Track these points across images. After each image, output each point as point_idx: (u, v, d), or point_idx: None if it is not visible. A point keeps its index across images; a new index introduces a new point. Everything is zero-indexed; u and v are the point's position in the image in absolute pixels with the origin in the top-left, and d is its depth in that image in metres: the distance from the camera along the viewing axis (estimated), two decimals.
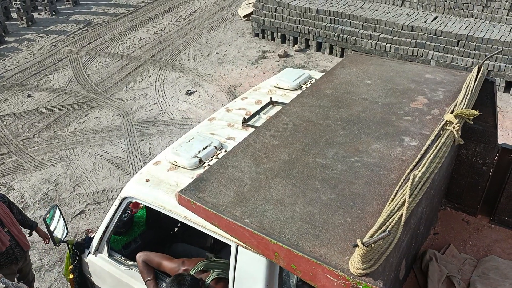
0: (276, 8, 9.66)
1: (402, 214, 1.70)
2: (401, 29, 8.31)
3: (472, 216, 3.56)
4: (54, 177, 6.17)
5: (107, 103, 7.96)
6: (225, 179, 2.20)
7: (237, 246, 2.31)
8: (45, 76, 8.99)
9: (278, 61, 9.15)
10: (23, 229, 3.93)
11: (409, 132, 2.48)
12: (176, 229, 3.86)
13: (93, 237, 3.18)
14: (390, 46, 8.46)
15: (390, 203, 1.80)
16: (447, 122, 2.29)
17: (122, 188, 2.96)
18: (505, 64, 7.57)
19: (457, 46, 7.89)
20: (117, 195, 2.95)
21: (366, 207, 1.95)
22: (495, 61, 7.63)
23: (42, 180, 6.13)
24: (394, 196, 1.86)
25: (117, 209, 2.91)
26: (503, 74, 7.57)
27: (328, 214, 1.92)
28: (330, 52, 9.29)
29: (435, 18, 8.51)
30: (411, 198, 1.77)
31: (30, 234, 4.00)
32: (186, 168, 2.74)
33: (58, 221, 3.22)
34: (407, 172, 2.05)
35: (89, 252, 3.18)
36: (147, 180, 2.77)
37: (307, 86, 3.58)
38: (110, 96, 8.19)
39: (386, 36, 8.49)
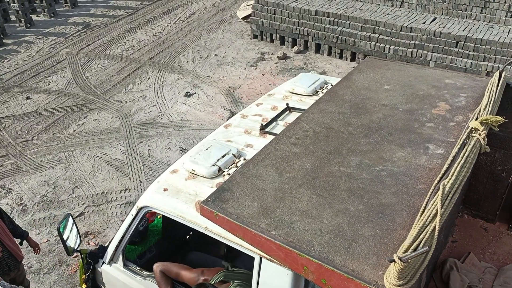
0: (275, 9, 9.66)
1: (435, 226, 1.64)
2: (400, 31, 8.32)
3: (491, 223, 3.49)
4: (53, 179, 6.15)
5: (106, 105, 7.94)
6: (248, 189, 2.14)
7: (261, 258, 2.24)
8: (44, 78, 8.97)
9: (277, 63, 9.15)
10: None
11: (434, 140, 2.43)
12: (188, 237, 3.80)
13: (107, 246, 3.11)
14: (389, 47, 8.46)
15: (422, 215, 1.74)
16: (473, 129, 2.23)
17: (139, 197, 2.87)
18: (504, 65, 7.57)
19: (456, 47, 7.89)
20: (134, 205, 2.88)
21: (396, 218, 1.90)
22: (494, 62, 7.63)
23: (41, 182, 6.11)
24: (425, 207, 1.81)
25: (133, 218, 2.83)
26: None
27: (357, 226, 1.86)
28: (329, 54, 9.29)
29: (434, 19, 8.52)
30: (443, 209, 1.71)
31: (21, 243, 3.90)
32: (205, 177, 2.67)
33: (71, 230, 3.12)
34: (435, 181, 1.99)
35: (103, 262, 3.11)
36: (165, 190, 2.69)
37: (323, 91, 3.53)
38: (109, 98, 8.18)
39: (385, 38, 8.49)
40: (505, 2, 8.07)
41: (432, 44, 8.07)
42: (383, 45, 8.52)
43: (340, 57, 9.16)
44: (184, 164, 2.81)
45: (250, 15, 10.42)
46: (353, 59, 9.03)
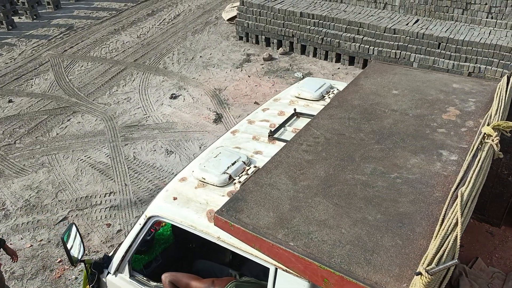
0: (260, 11, 9.67)
1: (457, 236, 1.62)
2: (384, 32, 8.40)
3: (496, 227, 3.48)
4: (36, 184, 6.06)
5: (90, 108, 7.86)
6: (262, 198, 2.10)
7: (276, 269, 2.18)
8: (26, 81, 8.84)
9: (262, 64, 9.16)
10: None
11: (446, 146, 2.41)
12: (191, 245, 3.73)
13: (112, 256, 3.05)
14: (373, 48, 8.54)
15: (442, 225, 1.71)
16: (485, 135, 2.21)
17: (147, 206, 2.81)
18: (485, 66, 7.70)
19: (438, 48, 8.00)
20: (142, 214, 2.81)
21: (415, 227, 1.87)
22: (476, 63, 7.75)
23: (24, 186, 6.01)
24: (444, 216, 1.79)
25: (141, 228, 2.75)
26: (483, 76, 7.70)
27: (377, 236, 1.83)
28: (314, 55, 9.34)
29: (416, 21, 8.62)
30: (463, 218, 1.68)
31: None
32: (216, 185, 2.60)
33: (75, 239, 3.03)
34: (452, 189, 1.97)
35: (108, 272, 3.04)
36: (175, 198, 2.62)
37: (330, 96, 3.50)
38: (93, 100, 8.09)
39: (369, 39, 8.56)
40: (485, 4, 8.21)
41: (415, 45, 8.16)
42: (367, 46, 8.59)
43: (325, 58, 9.21)
44: (193, 172, 2.74)
45: (235, 16, 10.42)
46: (338, 60, 9.09)
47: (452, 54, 7.89)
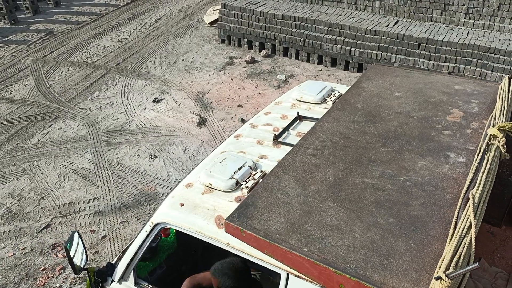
0: (241, 14, 9.69)
1: (471, 238, 1.62)
2: (365, 34, 8.50)
3: (497, 227, 3.51)
4: (17, 191, 5.94)
5: (72, 113, 7.76)
6: (272, 203, 2.09)
7: (288, 274, 2.15)
8: (6, 87, 8.68)
9: (245, 67, 9.17)
10: None
11: (453, 148, 2.42)
12: (195, 251, 3.70)
13: (116, 263, 2.99)
14: (355, 50, 8.63)
15: (456, 228, 1.71)
16: (491, 137, 2.22)
17: (153, 213, 2.76)
18: (464, 66, 7.85)
19: (418, 49, 8.13)
20: (148, 221, 2.75)
21: (429, 231, 1.87)
22: (455, 63, 7.90)
23: (5, 194, 5.89)
24: (457, 219, 1.79)
25: (148, 235, 2.71)
26: (463, 75, 7.85)
27: (390, 240, 1.82)
28: (297, 57, 9.39)
29: (396, 23, 8.74)
30: (476, 220, 1.68)
31: None
32: (223, 191, 2.58)
33: (77, 248, 2.96)
34: (463, 191, 1.98)
35: (112, 280, 2.98)
36: (182, 205, 2.58)
37: (331, 99, 3.51)
38: (75, 106, 7.99)
39: (351, 41, 8.65)
40: (463, 5, 8.37)
41: (396, 46, 8.28)
42: (349, 48, 8.68)
43: (308, 60, 9.27)
44: (199, 177, 2.71)
45: (217, 20, 10.41)
46: (320, 62, 9.15)
47: (432, 54, 8.03)
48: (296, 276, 2.08)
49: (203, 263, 3.56)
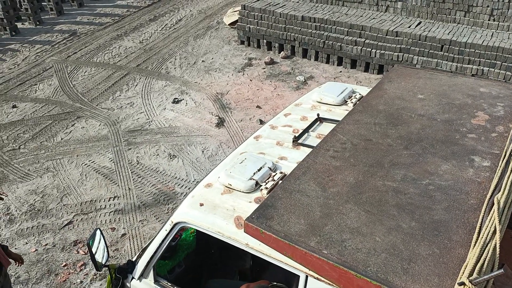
0: (261, 15, 9.71)
1: (496, 244, 1.61)
2: (386, 35, 8.42)
3: None
4: (41, 188, 6.08)
5: (94, 113, 7.89)
6: (292, 205, 2.09)
7: (307, 277, 2.14)
8: (30, 87, 8.89)
9: (264, 68, 9.19)
10: None
11: (478, 151, 2.39)
12: (213, 251, 3.72)
13: (136, 261, 3.05)
14: (375, 51, 8.55)
15: (480, 233, 1.70)
16: None
17: (173, 212, 2.80)
18: (488, 68, 7.71)
19: (441, 50, 8.01)
20: (168, 220, 2.79)
21: (452, 236, 1.84)
22: (479, 65, 7.76)
23: (29, 191, 6.03)
24: (481, 224, 1.77)
25: (168, 234, 2.74)
26: (487, 78, 7.70)
27: (412, 245, 1.81)
28: (316, 59, 9.36)
29: (418, 24, 8.64)
30: (501, 225, 1.67)
31: None
32: (242, 192, 2.59)
33: (99, 244, 3.02)
34: (488, 196, 1.96)
35: (133, 277, 3.03)
36: (201, 205, 2.59)
37: (352, 101, 3.49)
38: (97, 105, 8.13)
39: (371, 42, 8.58)
40: (487, 6, 8.22)
41: (418, 48, 8.17)
42: (369, 49, 8.61)
43: (327, 62, 9.23)
44: (219, 178, 2.73)
45: (236, 21, 10.46)
46: (339, 63, 9.11)
47: (455, 56, 7.90)
48: (315, 278, 2.07)
49: (221, 263, 3.58)
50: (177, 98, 8.19)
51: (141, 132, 7.28)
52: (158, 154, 6.70)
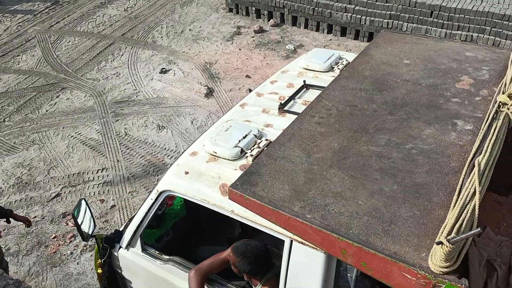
0: None
1: (475, 205, 1.63)
2: (376, 1, 8.27)
3: (504, 196, 3.50)
4: (27, 161, 6.01)
5: (79, 84, 7.74)
6: (277, 171, 2.09)
7: (291, 241, 2.18)
8: (13, 58, 8.66)
9: (253, 37, 9.03)
10: None
11: (461, 115, 2.40)
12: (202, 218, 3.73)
13: (123, 230, 3.06)
14: (365, 18, 8.42)
15: (460, 194, 1.72)
16: (501, 104, 2.19)
17: (159, 181, 2.80)
18: (477, 34, 7.64)
19: (431, 17, 7.91)
20: (153, 188, 2.78)
21: (433, 198, 1.87)
22: (468, 31, 7.69)
23: (15, 164, 5.97)
24: (461, 186, 1.79)
25: (153, 203, 2.75)
26: (476, 43, 7.65)
27: (394, 207, 1.84)
28: (306, 26, 9.21)
29: None
30: (481, 187, 1.68)
31: (8, 221, 3.84)
32: (228, 159, 2.59)
33: (85, 215, 3.02)
34: (469, 159, 1.97)
35: (120, 247, 3.05)
36: (186, 173, 2.59)
37: (339, 67, 3.46)
38: (81, 76, 7.97)
39: (361, 9, 8.44)
40: None
41: (407, 14, 8.06)
42: (359, 16, 8.47)
43: (317, 30, 9.09)
44: (204, 146, 2.71)
45: None
46: (329, 31, 8.97)
47: (444, 22, 7.81)
48: (299, 242, 2.11)
49: (209, 231, 3.59)
50: (164, 68, 8.05)
51: (129, 103, 7.17)
52: (146, 125, 6.63)
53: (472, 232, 1.51)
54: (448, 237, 1.50)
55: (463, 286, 1.53)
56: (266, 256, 2.54)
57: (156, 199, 2.73)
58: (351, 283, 2.44)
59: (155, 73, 7.94)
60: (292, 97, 3.12)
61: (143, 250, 2.94)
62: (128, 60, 8.41)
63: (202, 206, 2.53)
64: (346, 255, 1.75)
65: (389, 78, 2.82)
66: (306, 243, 2.04)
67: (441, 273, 1.55)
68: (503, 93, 2.25)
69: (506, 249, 3.24)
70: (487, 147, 1.91)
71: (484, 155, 1.86)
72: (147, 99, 7.25)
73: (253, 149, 2.62)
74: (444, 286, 1.55)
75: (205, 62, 8.20)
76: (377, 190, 1.93)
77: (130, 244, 2.97)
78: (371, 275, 1.75)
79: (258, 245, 2.53)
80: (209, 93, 7.31)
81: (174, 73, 7.93)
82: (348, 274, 2.44)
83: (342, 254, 1.77)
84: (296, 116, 2.69)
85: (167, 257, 2.87)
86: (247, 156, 2.58)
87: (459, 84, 2.69)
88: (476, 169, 1.76)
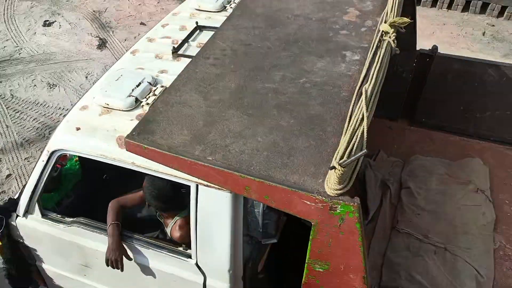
0: None
1: (363, 130, 1.72)
2: None
3: (394, 121, 3.80)
4: None
5: None
6: (174, 117, 2.05)
7: (197, 185, 2.16)
8: None
9: None
10: None
11: (349, 47, 2.48)
12: (105, 176, 3.55)
13: (18, 198, 2.83)
14: None
15: (350, 121, 1.79)
16: (383, 33, 2.28)
17: (48, 140, 2.57)
18: None
19: None
20: (44, 149, 2.57)
21: (327, 127, 1.94)
22: None
23: None
24: (351, 113, 1.87)
25: (46, 164, 2.56)
26: None
27: (291, 140, 1.89)
28: None
29: None
30: (368, 112, 1.78)
31: None
32: (122, 110, 2.45)
33: None
34: (357, 87, 2.06)
35: (17, 215, 2.85)
36: (78, 129, 2.43)
37: (231, 6, 3.36)
38: None
39: None
40: None
41: None
42: None
43: None
44: (94, 98, 2.54)
45: None
46: None
47: None
48: (205, 186, 2.13)
49: (115, 188, 3.48)
50: (48, 20, 7.32)
51: (11, 62, 6.48)
52: (35, 85, 6.08)
53: (359, 154, 1.60)
54: (340, 161, 1.59)
55: (356, 204, 1.65)
56: (170, 192, 2.55)
57: (48, 160, 2.57)
58: (259, 217, 2.55)
59: (38, 27, 7.19)
60: (185, 40, 3.03)
61: (43, 215, 2.79)
62: (3, 13, 7.50)
63: (100, 162, 2.43)
64: (250, 191, 1.80)
65: (280, 14, 2.85)
66: (212, 185, 2.07)
67: (336, 195, 1.65)
68: (385, 23, 2.37)
69: (397, 168, 3.60)
70: (373, 75, 2.02)
71: (370, 83, 1.97)
72: (32, 56, 6.59)
73: (149, 97, 2.53)
74: (340, 206, 1.65)
75: (94, 11, 7.59)
76: (275, 126, 1.98)
77: (28, 212, 2.80)
78: (275, 207, 1.84)
79: (164, 182, 2.53)
80: (102, 44, 6.83)
81: (60, 25, 7.25)
82: (255, 210, 2.53)
83: (246, 191, 1.82)
84: (191, 59, 2.63)
85: (70, 219, 2.75)
86: (143, 105, 2.49)
87: (346, 16, 2.79)
88: (363, 96, 1.86)
